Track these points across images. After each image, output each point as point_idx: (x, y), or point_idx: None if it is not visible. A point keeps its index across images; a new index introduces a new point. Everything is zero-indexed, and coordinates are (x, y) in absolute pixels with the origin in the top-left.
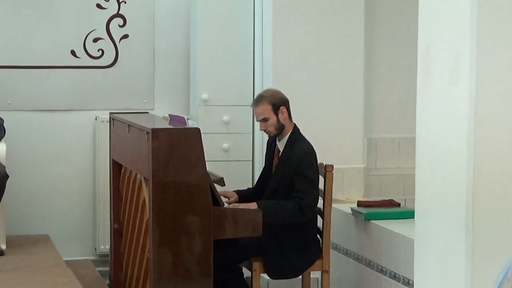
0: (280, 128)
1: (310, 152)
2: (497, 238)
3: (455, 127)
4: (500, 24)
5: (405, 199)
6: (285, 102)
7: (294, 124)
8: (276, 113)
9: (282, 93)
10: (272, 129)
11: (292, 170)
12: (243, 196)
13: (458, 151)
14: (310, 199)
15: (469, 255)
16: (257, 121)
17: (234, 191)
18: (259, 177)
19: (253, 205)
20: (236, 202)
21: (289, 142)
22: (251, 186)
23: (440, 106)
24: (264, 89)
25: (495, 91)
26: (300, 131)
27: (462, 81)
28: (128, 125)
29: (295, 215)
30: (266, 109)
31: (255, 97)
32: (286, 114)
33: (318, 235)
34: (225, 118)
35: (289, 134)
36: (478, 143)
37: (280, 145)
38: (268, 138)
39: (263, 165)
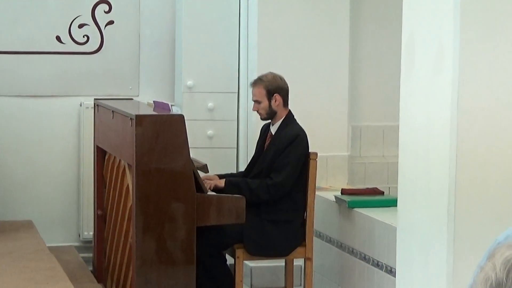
0: (271, 113)
1: (298, 135)
2: (479, 227)
3: (439, 115)
4: (483, 12)
5: (389, 187)
6: (280, 90)
7: (289, 110)
8: (269, 99)
9: (281, 80)
10: (263, 112)
11: (279, 151)
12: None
13: (441, 140)
14: (279, 178)
15: (451, 243)
16: (252, 100)
17: (216, 175)
18: (250, 162)
19: (221, 182)
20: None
21: (281, 126)
22: (234, 172)
23: (424, 94)
24: (267, 72)
25: (478, 79)
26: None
27: (446, 69)
28: (113, 111)
29: (260, 194)
30: (260, 93)
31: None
32: (279, 102)
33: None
34: (210, 105)
35: (282, 118)
36: (461, 131)
37: (273, 129)
38: (262, 125)
39: (252, 152)
